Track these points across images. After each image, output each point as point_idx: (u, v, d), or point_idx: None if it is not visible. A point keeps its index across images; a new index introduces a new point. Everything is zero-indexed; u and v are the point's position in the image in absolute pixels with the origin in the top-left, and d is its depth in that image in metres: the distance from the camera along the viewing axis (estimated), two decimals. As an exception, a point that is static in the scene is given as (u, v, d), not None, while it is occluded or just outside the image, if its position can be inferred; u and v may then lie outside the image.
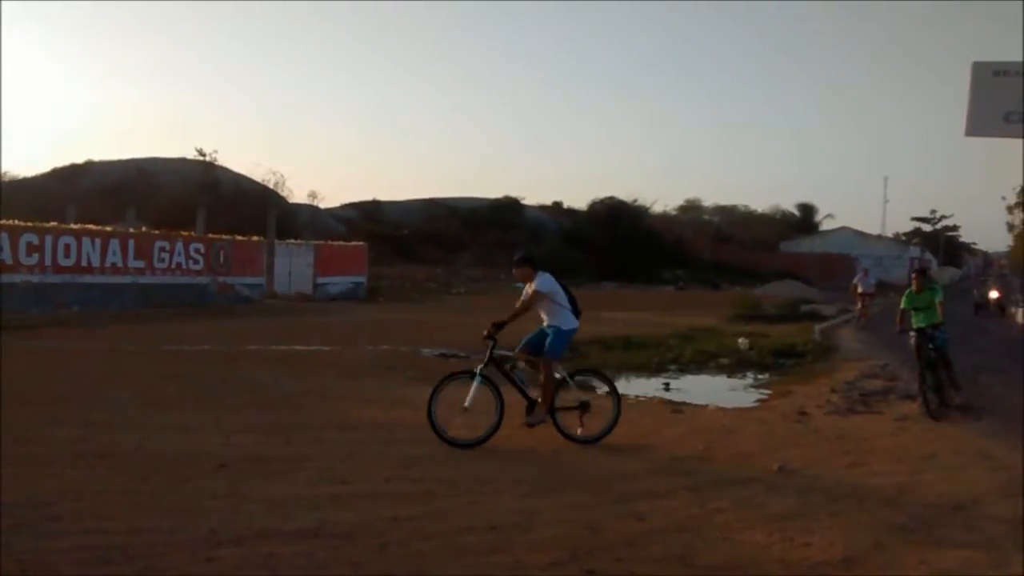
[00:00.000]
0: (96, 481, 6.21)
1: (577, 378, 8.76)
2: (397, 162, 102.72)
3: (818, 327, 24.34)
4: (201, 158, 47.24)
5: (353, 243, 36.88)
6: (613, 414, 8.39)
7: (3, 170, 48.18)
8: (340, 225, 51.14)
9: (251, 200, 43.00)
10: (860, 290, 24.61)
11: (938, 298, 10.67)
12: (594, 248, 56.37)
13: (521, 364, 8.63)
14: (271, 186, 47.89)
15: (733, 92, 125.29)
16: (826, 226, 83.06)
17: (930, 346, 10.28)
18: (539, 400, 8.28)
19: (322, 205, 55.08)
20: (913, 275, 11.39)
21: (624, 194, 66.34)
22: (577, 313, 8.64)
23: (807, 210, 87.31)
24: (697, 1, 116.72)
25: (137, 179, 44.65)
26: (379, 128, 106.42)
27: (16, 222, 21.71)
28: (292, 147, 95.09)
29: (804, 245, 72.48)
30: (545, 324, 8.62)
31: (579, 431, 8.19)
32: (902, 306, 11.04)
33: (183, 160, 47.86)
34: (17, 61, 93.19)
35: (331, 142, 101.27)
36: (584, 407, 8.31)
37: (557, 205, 68.69)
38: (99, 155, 51.73)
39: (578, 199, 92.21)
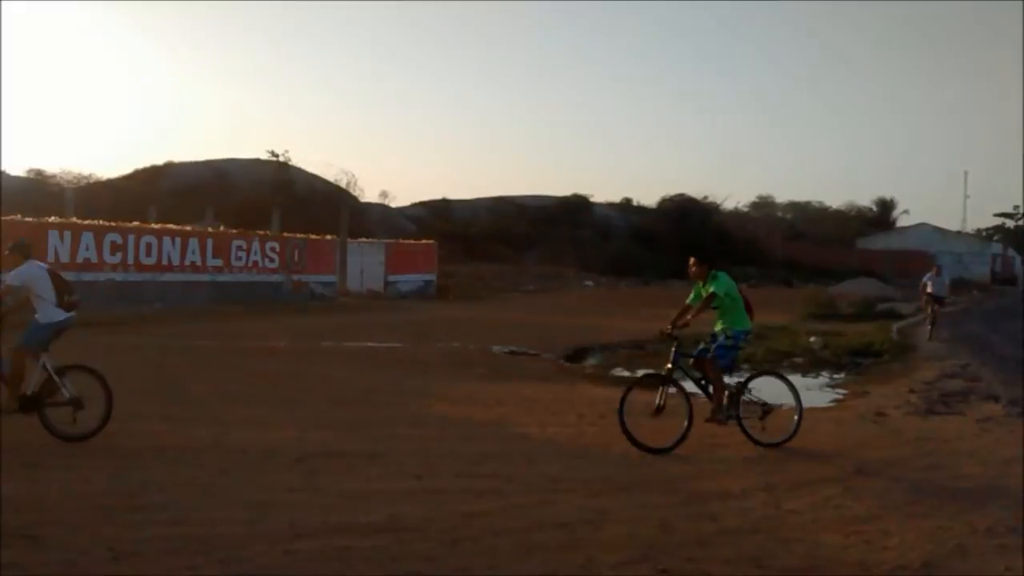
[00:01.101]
0: (178, 474, 6.40)
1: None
2: (466, 161, 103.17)
3: (895, 326, 23.71)
4: (274, 158, 48.27)
5: (423, 241, 37.25)
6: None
7: (88, 172, 49.88)
8: (410, 224, 51.68)
9: (323, 199, 43.77)
10: (930, 290, 19.63)
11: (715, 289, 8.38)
12: (663, 246, 55.81)
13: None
14: (343, 185, 48.75)
15: (807, 86, 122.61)
16: (904, 222, 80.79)
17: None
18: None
19: (393, 204, 55.85)
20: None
21: (694, 191, 65.62)
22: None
23: (884, 206, 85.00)
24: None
25: (214, 180, 45.79)
26: (448, 127, 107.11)
27: (101, 222, 22.50)
28: (363, 147, 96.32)
29: (881, 242, 70.63)
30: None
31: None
32: None
33: (257, 161, 48.95)
34: (99, 65, 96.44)
35: (401, 142, 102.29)
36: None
37: (626, 202, 68.15)
38: (178, 157, 53.16)
39: (648, 196, 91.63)
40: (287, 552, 4.75)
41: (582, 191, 62.13)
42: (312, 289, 28.16)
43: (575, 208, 59.05)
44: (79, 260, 21.03)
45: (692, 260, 8.51)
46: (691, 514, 5.74)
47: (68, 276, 20.70)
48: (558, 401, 10.47)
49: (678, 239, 55.68)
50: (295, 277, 27.54)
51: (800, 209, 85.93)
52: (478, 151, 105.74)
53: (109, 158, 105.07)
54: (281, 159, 47.76)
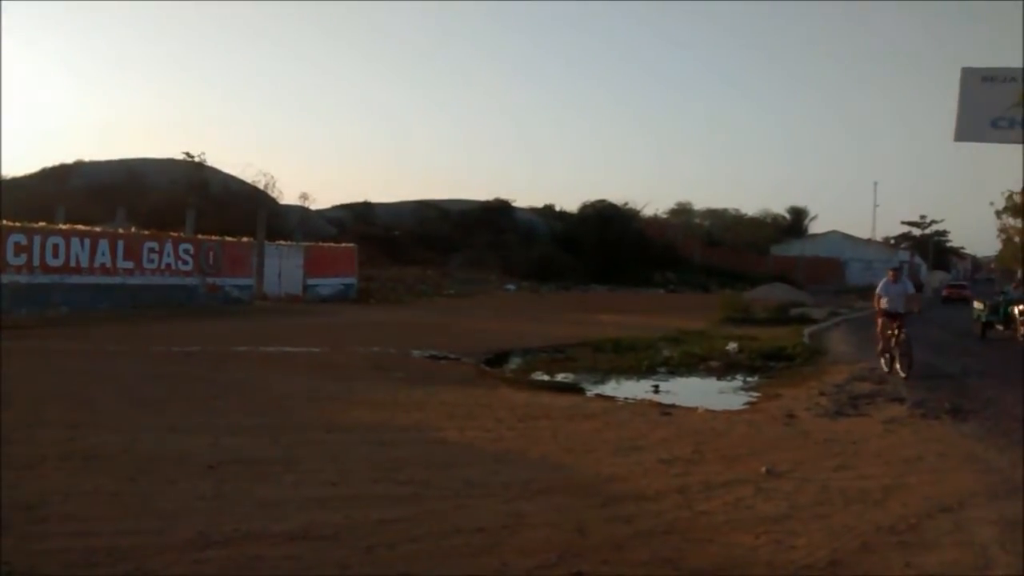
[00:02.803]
0: (83, 482, 6.18)
1: None
2: (388, 164, 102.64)
3: (807, 330, 24.43)
4: (190, 159, 47.08)
5: (343, 244, 36.82)
6: None
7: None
8: (331, 226, 50.99)
9: (241, 201, 42.82)
10: (883, 304, 14.21)
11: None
12: (585, 250, 56.43)
13: None
14: (261, 187, 47.75)
15: (724, 96, 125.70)
16: (815, 229, 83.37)
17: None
18: None
19: (313, 206, 54.97)
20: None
21: (615, 197, 66.55)
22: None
23: (797, 214, 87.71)
24: (689, 2, 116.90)
25: (127, 180, 44.38)
26: (371, 130, 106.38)
27: (5, 222, 21.58)
28: (283, 148, 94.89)
29: (794, 248, 72.72)
30: None
31: None
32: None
33: (172, 161, 47.66)
34: (6, 60, 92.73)
35: (322, 143, 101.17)
36: None
37: (548, 208, 68.74)
38: (89, 155, 51.36)
39: (569, 202, 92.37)
40: (196, 561, 4.63)
41: (505, 196, 62.41)
42: (228, 292, 27.57)
43: (498, 212, 59.27)
44: (-20, 261, 20.15)
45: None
46: (607, 516, 5.79)
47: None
48: (477, 406, 10.45)
49: (600, 244, 56.42)
50: (210, 280, 26.90)
51: (717, 216, 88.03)
52: (401, 154, 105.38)
53: (15, 156, 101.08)
54: (197, 159, 46.67)
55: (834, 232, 78.28)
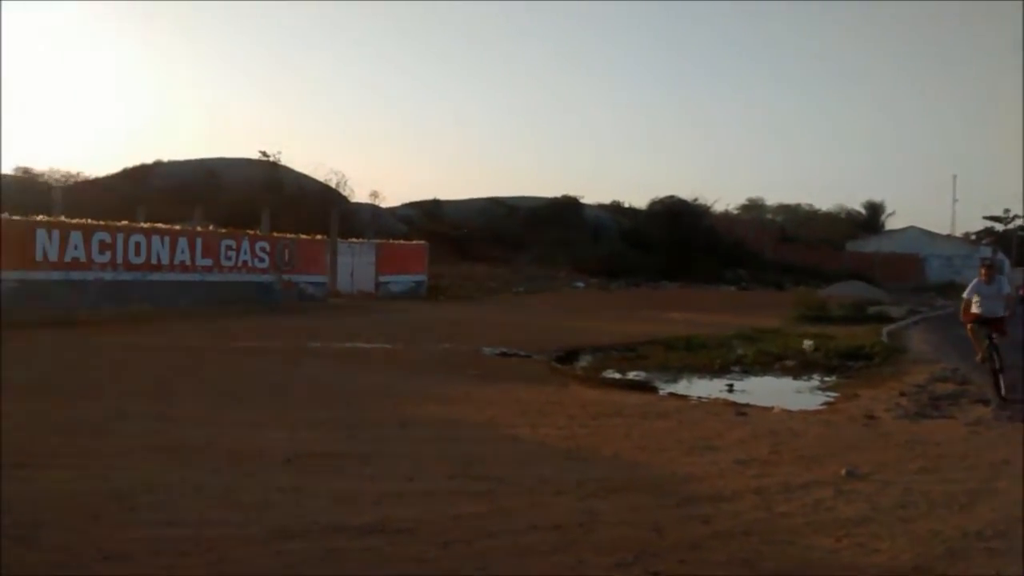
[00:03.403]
0: (168, 474, 6.36)
1: None
2: (457, 162, 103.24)
3: (885, 329, 23.80)
4: (265, 158, 48.13)
5: (414, 242, 37.21)
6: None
7: (76, 170, 49.64)
8: (401, 224, 51.57)
9: (313, 199, 43.62)
10: (976, 309, 11.74)
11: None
12: (654, 247, 55.91)
13: None
14: (333, 185, 48.58)
15: (798, 89, 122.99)
16: (892, 225, 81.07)
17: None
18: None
19: (383, 204, 55.69)
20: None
21: (685, 193, 65.73)
22: None
23: (873, 209, 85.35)
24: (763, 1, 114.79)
25: (204, 179, 45.56)
26: (440, 128, 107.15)
27: (89, 221, 22.35)
28: (354, 147, 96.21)
29: (870, 245, 70.84)
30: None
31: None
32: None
33: (248, 160, 48.79)
34: (89, 63, 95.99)
35: (392, 142, 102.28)
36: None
37: (616, 204, 68.29)
38: (168, 156, 52.89)
39: (638, 198, 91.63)
40: (278, 553, 4.72)
41: (573, 192, 62.16)
42: (302, 289, 28.07)
43: (566, 209, 59.07)
44: (67, 259, 20.89)
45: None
46: (682, 516, 5.73)
47: (56, 275, 20.69)
48: (549, 403, 10.46)
49: (669, 241, 55.88)
50: (285, 277, 27.44)
51: (790, 212, 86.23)
52: (469, 152, 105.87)
53: (98, 156, 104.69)
54: (272, 159, 47.68)
55: (912, 228, 75.93)
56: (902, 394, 11.78)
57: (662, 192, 66.53)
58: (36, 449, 6.97)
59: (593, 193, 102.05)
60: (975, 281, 11.98)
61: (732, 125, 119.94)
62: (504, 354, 15.84)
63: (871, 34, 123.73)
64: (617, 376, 14.13)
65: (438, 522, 5.39)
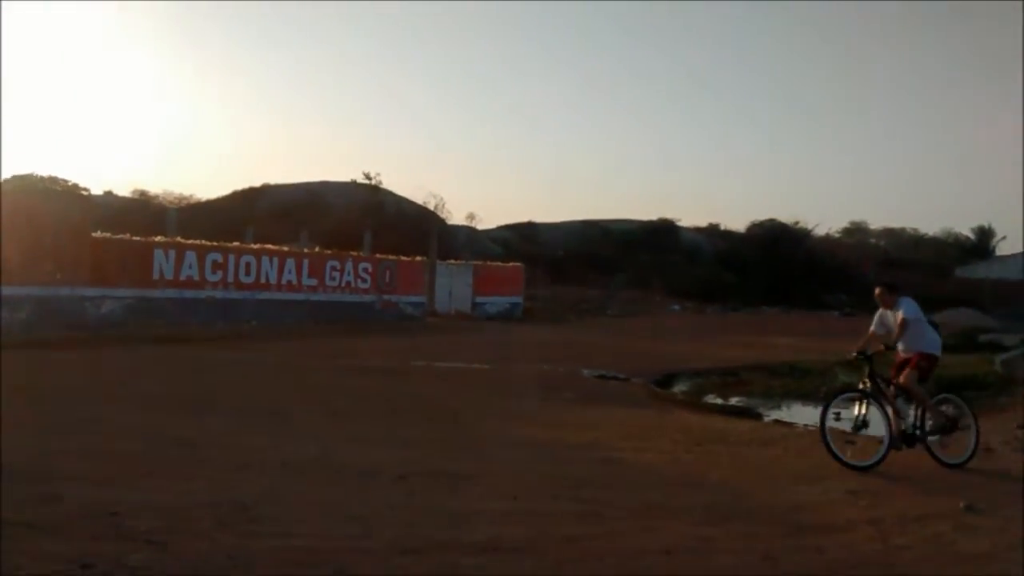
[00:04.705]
0: (285, 487, 6.60)
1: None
2: (552, 184, 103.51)
3: (999, 358, 22.77)
4: (367, 181, 49.43)
5: (511, 264, 37.54)
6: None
7: (189, 193, 52.00)
8: (496, 246, 52.10)
9: (412, 222, 44.54)
10: None
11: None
12: (751, 271, 54.92)
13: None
14: (432, 208, 49.50)
15: (901, 109, 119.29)
16: (1003, 251, 77.55)
17: None
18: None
19: (479, 227, 56.41)
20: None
21: (784, 216, 64.48)
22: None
23: (983, 233, 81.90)
24: (859, 2, 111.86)
25: (308, 202, 47.09)
26: (535, 151, 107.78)
27: (203, 241, 23.39)
28: (452, 170, 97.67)
29: (979, 270, 67.92)
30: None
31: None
32: None
33: (350, 184, 50.18)
34: (200, 91, 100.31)
35: (489, 165, 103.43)
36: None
37: (713, 227, 67.47)
38: (274, 179, 54.88)
39: (735, 221, 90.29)
40: (397, 568, 4.85)
41: (669, 215, 61.73)
42: (402, 309, 28.66)
43: (661, 232, 58.71)
44: (182, 278, 21.92)
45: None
46: (796, 546, 5.63)
47: (171, 293, 21.68)
48: (651, 427, 10.41)
49: (768, 265, 54.79)
50: (385, 297, 28.05)
51: (895, 236, 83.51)
52: (564, 175, 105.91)
53: (208, 180, 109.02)
54: (373, 182, 48.89)
55: (1024, 253, 72.48)
56: (1019, 427, 11.27)
57: (760, 215, 65.30)
58: (161, 460, 7.32)
59: (689, 216, 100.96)
60: None
61: (837, 145, 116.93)
62: (603, 376, 15.82)
63: (974, 48, 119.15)
64: (719, 401, 13.94)
65: (548, 542, 5.44)
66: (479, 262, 35.50)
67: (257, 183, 52.91)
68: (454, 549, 5.21)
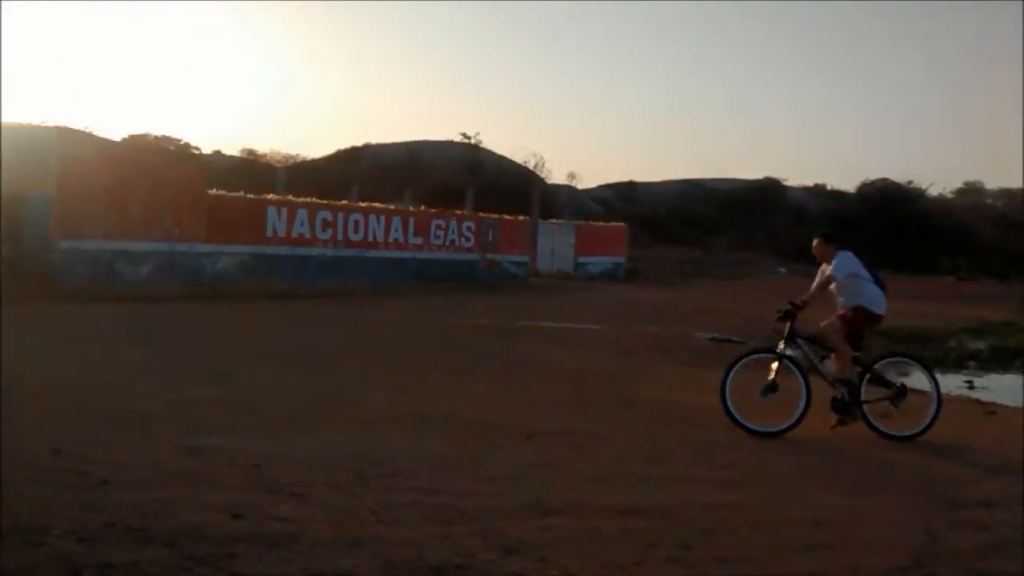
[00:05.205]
0: (417, 443, 6.61)
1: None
2: (654, 143, 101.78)
3: None
4: (466, 140, 49.51)
5: (613, 224, 37.13)
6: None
7: (295, 152, 53.01)
8: (596, 205, 51.65)
9: (512, 181, 44.47)
10: None
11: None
12: (862, 233, 52.90)
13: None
14: (532, 167, 49.32)
15: (1017, 65, 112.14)
16: None
17: None
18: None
19: (579, 186, 55.95)
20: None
21: (895, 175, 61.80)
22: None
23: (1112, 193, 76.89)
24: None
25: (408, 161, 47.49)
26: (637, 109, 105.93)
27: (313, 200, 23.81)
28: (552, 129, 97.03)
29: (1110, 233, 63.90)
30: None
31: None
32: None
33: (450, 143, 50.35)
34: (303, 54, 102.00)
35: (589, 123, 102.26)
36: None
37: (821, 187, 65.23)
38: (376, 139, 55.47)
39: (844, 180, 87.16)
40: (541, 528, 4.76)
41: (774, 174, 59.99)
42: (505, 268, 28.68)
43: (767, 193, 57.14)
44: (294, 235, 22.37)
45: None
46: (956, 521, 5.32)
47: (283, 250, 22.16)
48: (791, 386, 10.06)
49: (880, 227, 52.69)
50: (489, 256, 28.11)
51: (1013, 196, 79.25)
52: (666, 133, 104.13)
53: (313, 139, 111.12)
54: (472, 140, 48.94)
55: None
56: None
57: (870, 174, 62.65)
58: (292, 414, 7.43)
59: (796, 175, 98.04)
60: None
61: (946, 101, 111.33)
62: (716, 339, 15.47)
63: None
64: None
65: (692, 508, 5.27)
66: (581, 221, 35.22)
67: (359, 143, 53.67)
68: (595, 511, 5.10)
